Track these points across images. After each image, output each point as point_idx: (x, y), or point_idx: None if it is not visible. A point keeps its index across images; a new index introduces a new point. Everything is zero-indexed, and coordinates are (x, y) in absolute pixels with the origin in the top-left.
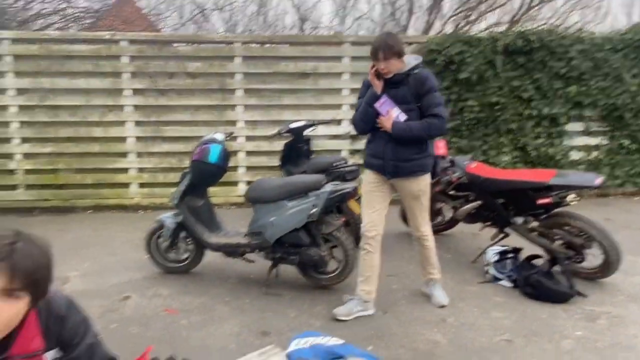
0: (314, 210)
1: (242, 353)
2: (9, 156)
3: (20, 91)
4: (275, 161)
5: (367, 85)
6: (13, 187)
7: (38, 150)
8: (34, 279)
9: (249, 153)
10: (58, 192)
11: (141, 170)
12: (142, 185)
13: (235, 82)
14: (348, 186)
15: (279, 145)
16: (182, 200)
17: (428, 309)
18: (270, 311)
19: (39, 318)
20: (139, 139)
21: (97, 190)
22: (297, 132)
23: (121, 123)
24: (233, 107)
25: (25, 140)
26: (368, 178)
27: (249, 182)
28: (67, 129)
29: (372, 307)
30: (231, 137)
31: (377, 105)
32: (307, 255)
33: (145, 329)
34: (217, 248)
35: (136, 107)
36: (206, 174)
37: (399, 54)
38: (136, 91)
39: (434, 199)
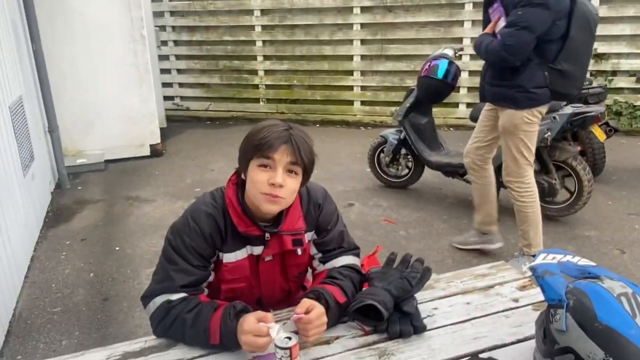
0: (548, 134)
1: (458, 268)
2: (254, 72)
3: (264, 12)
4: None
5: None
6: (257, 100)
7: (276, 68)
8: (308, 159)
9: (473, 73)
10: (292, 106)
11: (364, 88)
12: (363, 103)
13: None
14: (592, 110)
15: None
16: (405, 117)
17: None
18: None
19: (301, 203)
20: (363, 57)
21: (325, 106)
22: None
23: (349, 41)
24: (461, 23)
25: (266, 57)
26: None
27: (469, 104)
28: (301, 47)
29: (497, 240)
30: (460, 53)
31: (490, 11)
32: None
33: (367, 233)
34: (437, 167)
35: (363, 25)
36: (433, 90)
37: None
38: (364, 9)
39: None
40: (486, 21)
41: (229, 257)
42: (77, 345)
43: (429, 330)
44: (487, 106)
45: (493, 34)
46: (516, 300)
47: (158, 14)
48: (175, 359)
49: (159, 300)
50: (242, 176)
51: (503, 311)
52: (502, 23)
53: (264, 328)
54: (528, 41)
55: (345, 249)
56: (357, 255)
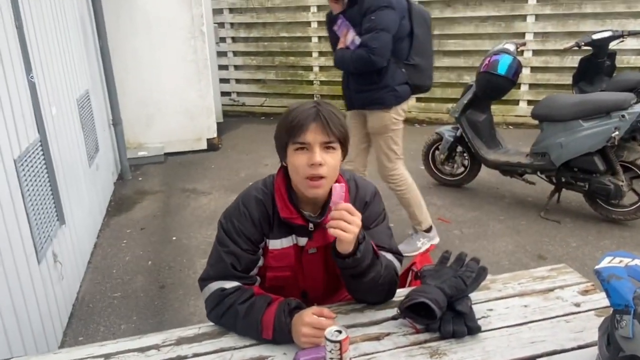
0: (616, 133)
1: (514, 271)
2: (309, 68)
3: (320, 7)
4: (565, 79)
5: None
6: (311, 97)
7: (331, 64)
8: (340, 131)
9: (535, 69)
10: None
11: None
12: (419, 99)
13: None
14: None
15: (571, 61)
16: (463, 114)
17: None
18: (548, 237)
19: (349, 196)
20: None
21: None
22: (599, 45)
23: None
24: (523, 17)
25: (321, 54)
26: None
27: (530, 102)
28: None
29: (435, 235)
30: (523, 48)
31: (335, 27)
32: (600, 184)
33: None
34: (494, 165)
35: None
36: (493, 86)
37: None
38: (422, 4)
39: None
40: (332, 38)
41: (274, 244)
42: (135, 330)
43: (484, 331)
44: (352, 116)
45: (346, 48)
46: (578, 305)
47: (217, 11)
48: (227, 347)
49: (214, 286)
50: (284, 163)
51: (563, 315)
52: (351, 35)
53: (324, 321)
54: (388, 41)
55: (387, 249)
56: (400, 261)
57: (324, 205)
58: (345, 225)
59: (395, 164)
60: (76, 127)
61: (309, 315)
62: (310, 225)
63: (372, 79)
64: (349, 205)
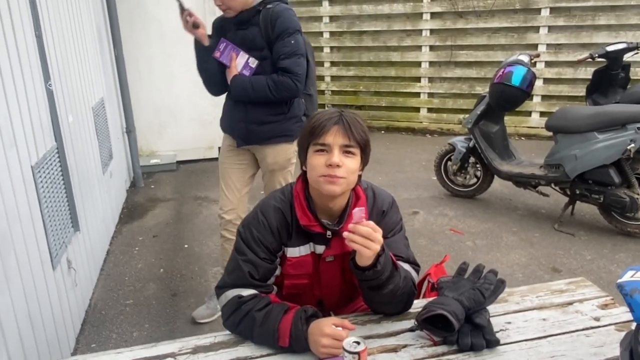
0: (632, 145)
1: (529, 284)
2: (321, 78)
3: (332, 18)
4: (578, 91)
5: (216, 29)
6: (322, 106)
7: (343, 74)
8: (362, 137)
9: (547, 80)
10: (357, 112)
11: (431, 95)
12: (430, 110)
13: (541, 0)
14: None
15: (584, 72)
16: (476, 125)
17: None
18: (562, 249)
19: (367, 204)
20: (432, 63)
21: (390, 112)
22: (614, 57)
23: (417, 48)
24: (536, 29)
25: (333, 64)
26: (223, 145)
27: (543, 113)
28: (369, 54)
29: None
30: (537, 59)
31: (216, 55)
32: (615, 196)
33: (432, 242)
34: (507, 177)
35: (432, 31)
36: (507, 97)
37: None
38: (434, 15)
39: None
40: (207, 69)
41: (293, 252)
42: (147, 337)
43: (502, 345)
44: (236, 151)
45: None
46: (597, 319)
47: None
48: (244, 356)
49: (231, 294)
50: (303, 167)
51: (583, 330)
52: (243, 58)
53: (343, 332)
54: (306, 67)
55: (404, 259)
56: (417, 271)
57: (342, 214)
58: (370, 244)
59: None
60: (91, 135)
61: (329, 326)
62: (328, 232)
63: (282, 109)
64: (372, 224)
